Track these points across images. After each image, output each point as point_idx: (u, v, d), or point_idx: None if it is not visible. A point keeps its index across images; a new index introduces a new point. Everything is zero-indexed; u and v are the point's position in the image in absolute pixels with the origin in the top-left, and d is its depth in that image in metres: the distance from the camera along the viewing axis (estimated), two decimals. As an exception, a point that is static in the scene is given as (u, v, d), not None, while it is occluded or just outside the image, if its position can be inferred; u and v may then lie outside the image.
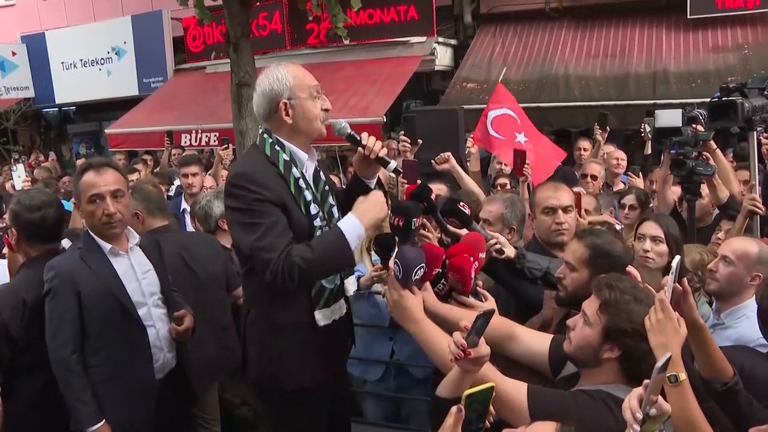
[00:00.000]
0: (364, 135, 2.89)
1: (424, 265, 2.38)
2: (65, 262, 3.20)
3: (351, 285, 3.01)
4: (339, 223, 2.73)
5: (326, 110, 2.88)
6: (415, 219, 2.53)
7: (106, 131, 13.62)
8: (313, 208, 2.82)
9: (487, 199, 4.22)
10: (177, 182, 7.27)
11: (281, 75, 2.80)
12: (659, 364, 1.78)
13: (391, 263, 2.48)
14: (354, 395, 4.83)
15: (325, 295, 2.85)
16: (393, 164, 2.83)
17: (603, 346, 2.19)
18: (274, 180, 2.74)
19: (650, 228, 3.51)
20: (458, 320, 2.47)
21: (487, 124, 6.32)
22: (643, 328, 2.11)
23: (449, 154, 5.04)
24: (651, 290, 2.28)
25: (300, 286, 2.69)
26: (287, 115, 2.80)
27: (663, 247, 3.42)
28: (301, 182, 2.81)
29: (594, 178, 6.05)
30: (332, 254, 2.67)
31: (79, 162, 10.08)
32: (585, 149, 7.34)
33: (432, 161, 5.42)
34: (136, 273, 3.31)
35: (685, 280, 2.25)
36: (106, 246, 3.24)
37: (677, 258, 2.27)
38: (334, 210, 2.94)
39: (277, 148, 2.82)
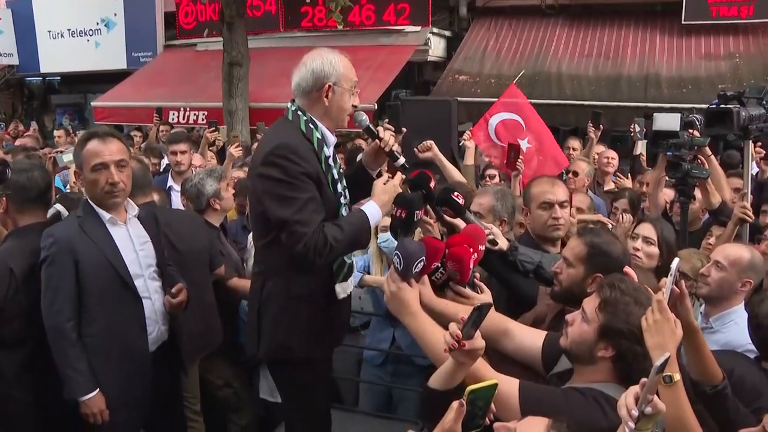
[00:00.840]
0: (380, 129, 3.07)
1: (424, 258, 2.37)
2: (64, 229, 3.17)
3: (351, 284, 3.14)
4: (363, 208, 2.94)
5: (355, 107, 3.03)
6: (417, 211, 2.51)
7: (92, 104, 13.44)
8: (339, 188, 2.97)
9: (478, 192, 4.21)
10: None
11: (335, 60, 2.93)
12: (658, 363, 1.79)
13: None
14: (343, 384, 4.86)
15: (344, 269, 3.03)
16: (402, 160, 3.01)
17: (598, 344, 2.18)
18: (311, 155, 2.87)
19: (645, 229, 3.53)
20: (454, 315, 2.47)
21: (489, 128, 6.29)
22: (639, 330, 2.11)
23: (431, 142, 5.02)
24: (651, 292, 2.28)
25: (324, 262, 2.85)
26: (326, 97, 2.92)
27: (653, 249, 3.44)
28: (331, 161, 2.96)
29: (576, 174, 6.05)
30: (357, 236, 2.91)
31: (58, 133, 9.99)
32: (574, 149, 7.36)
33: (414, 149, 5.40)
34: (134, 244, 3.29)
35: (682, 282, 2.26)
36: (105, 215, 3.21)
37: (677, 260, 2.28)
38: (346, 192, 3.05)
39: (311, 126, 2.92)
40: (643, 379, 1.78)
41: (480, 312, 2.00)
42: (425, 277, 2.49)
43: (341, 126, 3.04)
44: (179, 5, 13.75)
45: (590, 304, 2.24)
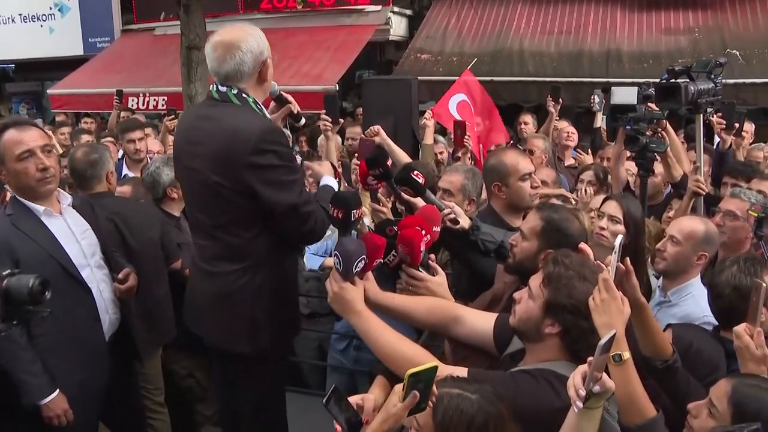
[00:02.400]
0: (286, 94, 3.13)
1: (364, 257, 2.33)
2: None
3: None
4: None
5: None
6: (354, 210, 2.45)
7: (49, 91, 13.11)
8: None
9: (447, 170, 4.17)
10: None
11: (261, 34, 2.86)
12: (602, 342, 1.78)
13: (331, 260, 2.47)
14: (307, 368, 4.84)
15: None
16: (303, 120, 3.22)
17: (544, 320, 2.17)
18: (285, 135, 2.89)
19: (610, 207, 3.51)
20: (401, 308, 2.49)
21: (449, 106, 6.32)
22: (583, 306, 2.10)
23: (378, 127, 4.97)
24: (602, 267, 2.27)
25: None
26: (263, 73, 2.85)
27: (619, 227, 3.42)
28: None
29: (531, 153, 6.02)
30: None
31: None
32: (526, 123, 7.37)
33: (362, 134, 5.36)
34: (74, 234, 3.18)
35: (627, 259, 2.26)
36: (39, 209, 3.09)
37: (619, 237, 2.27)
38: None
39: (259, 107, 2.85)
40: (590, 358, 1.77)
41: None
42: (369, 273, 2.46)
43: (265, 97, 2.96)
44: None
45: (536, 280, 2.23)
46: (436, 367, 1.87)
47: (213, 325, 2.96)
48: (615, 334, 1.87)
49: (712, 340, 2.76)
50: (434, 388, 1.90)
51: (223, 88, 2.82)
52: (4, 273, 2.16)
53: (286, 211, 2.76)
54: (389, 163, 2.86)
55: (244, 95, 2.82)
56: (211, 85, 2.91)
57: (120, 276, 3.27)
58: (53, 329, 2.99)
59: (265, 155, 2.70)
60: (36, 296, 2.15)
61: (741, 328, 2.28)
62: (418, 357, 2.20)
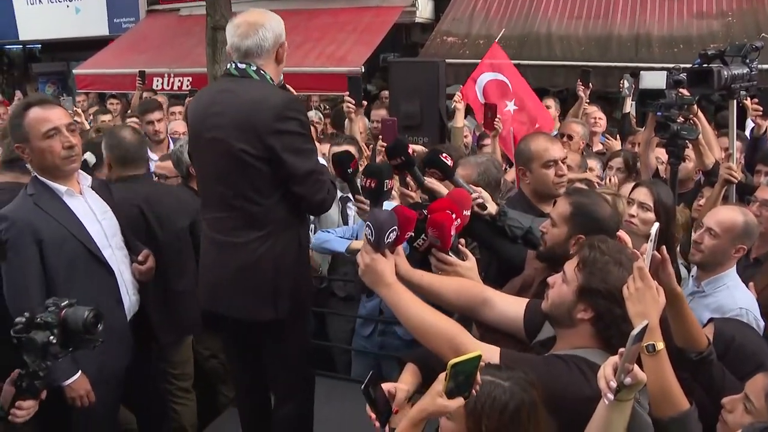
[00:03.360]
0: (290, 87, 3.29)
1: (396, 228, 2.30)
2: (19, 209, 3.01)
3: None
4: None
5: None
6: (387, 180, 2.44)
7: (74, 71, 13.18)
8: None
9: (460, 163, 4.10)
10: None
11: (279, 18, 3.01)
12: (635, 332, 1.74)
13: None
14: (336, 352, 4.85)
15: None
16: None
17: (577, 305, 2.14)
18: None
19: (641, 194, 3.45)
20: (431, 286, 2.45)
21: (476, 89, 6.20)
22: (618, 292, 2.06)
23: None
24: (638, 255, 2.22)
25: None
26: (278, 55, 3.01)
27: (650, 215, 3.35)
28: None
29: (570, 138, 5.97)
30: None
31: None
32: (548, 107, 7.27)
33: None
34: (96, 214, 3.18)
35: (663, 248, 2.21)
36: (61, 188, 3.08)
37: (656, 225, 2.23)
38: None
39: (274, 85, 2.99)
40: (621, 349, 1.73)
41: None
42: (400, 249, 2.43)
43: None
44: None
45: (570, 265, 2.20)
46: (479, 356, 1.82)
47: (235, 296, 2.99)
48: (648, 325, 1.82)
49: (756, 335, 2.71)
50: (478, 377, 1.86)
51: (242, 65, 2.93)
52: (63, 304, 2.27)
53: (304, 176, 2.87)
54: (410, 151, 2.84)
55: (262, 72, 2.94)
56: (229, 63, 3.01)
57: (140, 258, 3.28)
58: None
59: (288, 122, 2.83)
60: (89, 328, 2.27)
61: None
62: (450, 329, 2.17)
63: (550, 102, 7.40)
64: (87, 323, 2.26)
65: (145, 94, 8.93)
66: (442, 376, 1.81)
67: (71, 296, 2.90)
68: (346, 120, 5.65)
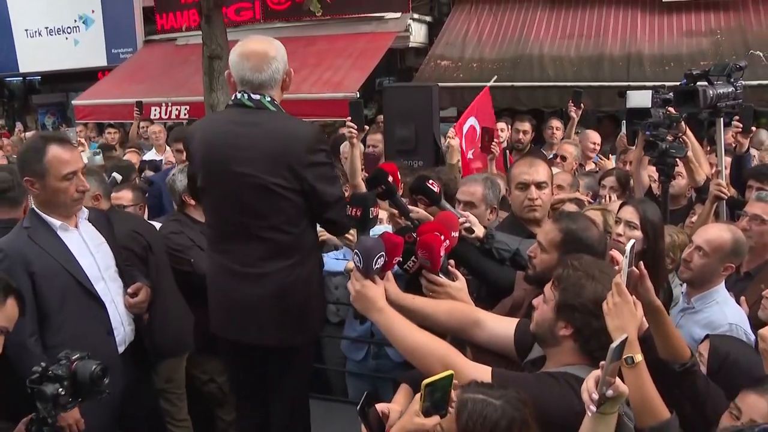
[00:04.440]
0: None
1: (383, 253, 2.36)
2: (13, 242, 3.08)
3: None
4: None
5: None
6: (372, 208, 2.52)
7: (74, 102, 13.30)
8: None
9: (465, 181, 4.16)
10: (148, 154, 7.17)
11: (281, 44, 3.05)
12: (613, 346, 1.79)
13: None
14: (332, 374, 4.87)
15: None
16: None
17: (557, 322, 2.20)
18: None
19: (627, 213, 3.49)
20: (422, 309, 2.50)
21: (464, 127, 6.27)
22: (592, 305, 2.13)
23: None
24: (611, 272, 2.28)
25: None
26: (286, 83, 3.06)
27: (637, 233, 3.39)
28: None
29: (564, 159, 6.04)
30: None
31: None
32: (557, 128, 7.32)
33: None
34: (89, 247, 3.23)
35: (641, 263, 2.27)
36: (56, 223, 3.14)
37: (631, 242, 2.27)
38: None
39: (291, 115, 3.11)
40: (602, 362, 1.78)
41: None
42: (389, 274, 2.49)
43: None
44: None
45: (548, 285, 2.26)
46: (452, 375, 1.89)
47: (266, 323, 3.05)
48: (627, 338, 1.87)
49: (752, 351, 2.73)
50: (453, 394, 1.92)
51: (256, 96, 2.96)
52: (74, 357, 2.43)
53: (336, 202, 3.01)
54: (390, 179, 2.90)
55: (276, 102, 3.01)
56: (239, 93, 2.99)
57: (130, 291, 3.32)
58: (67, 340, 2.99)
59: (318, 154, 2.95)
60: (96, 380, 2.42)
61: (766, 331, 2.27)
62: (442, 351, 2.21)
63: (559, 123, 7.44)
64: (94, 376, 2.41)
65: (142, 124, 9.03)
66: (418, 396, 1.86)
67: (63, 328, 3.05)
68: (343, 145, 5.69)
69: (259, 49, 2.96)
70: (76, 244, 3.19)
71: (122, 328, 3.31)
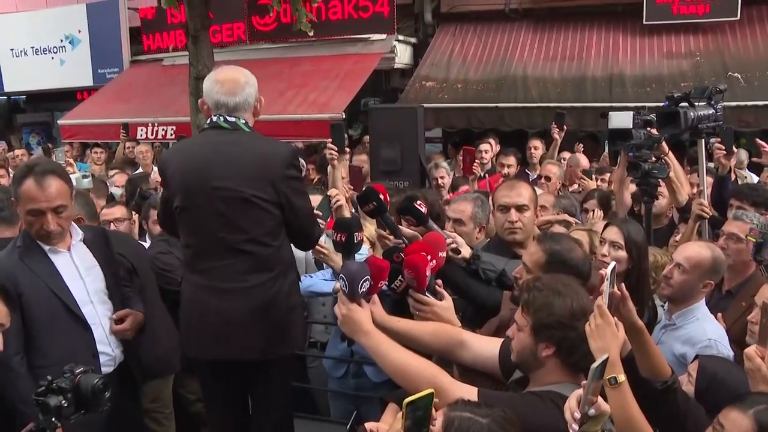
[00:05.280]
0: None
1: (369, 277, 2.41)
2: (3, 261, 3.11)
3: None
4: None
5: None
6: (356, 233, 2.56)
7: (59, 122, 13.27)
8: None
9: (456, 199, 4.22)
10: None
11: (252, 75, 3.25)
12: (595, 365, 1.83)
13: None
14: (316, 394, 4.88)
15: None
16: None
17: (538, 345, 2.24)
18: None
19: (611, 233, 3.54)
20: (407, 332, 2.55)
21: None
22: (565, 318, 2.19)
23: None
24: (572, 283, 2.35)
25: None
26: (257, 109, 3.26)
27: (621, 253, 3.45)
28: None
29: (548, 179, 6.12)
30: None
31: (20, 152, 9.84)
32: (536, 148, 7.43)
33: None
34: (79, 271, 3.23)
35: (623, 285, 2.34)
36: (45, 246, 3.16)
37: (612, 264, 2.33)
38: None
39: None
40: (583, 381, 1.82)
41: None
42: (375, 297, 2.53)
43: None
44: (144, 20, 13.64)
45: (518, 312, 2.32)
46: (432, 393, 1.93)
47: (248, 337, 3.11)
48: (608, 358, 1.92)
49: (740, 372, 2.76)
50: (433, 412, 1.95)
51: (232, 118, 3.13)
52: (78, 370, 2.49)
53: (308, 215, 3.25)
54: (381, 197, 2.95)
55: (249, 125, 3.19)
56: (215, 116, 3.15)
57: (115, 316, 3.32)
58: (53, 362, 2.98)
59: (293, 169, 3.15)
60: (97, 394, 2.49)
61: (752, 350, 2.33)
62: (429, 371, 2.26)
63: (538, 143, 7.55)
64: (95, 389, 2.47)
65: (128, 144, 9.04)
66: (400, 415, 1.90)
67: (49, 349, 3.05)
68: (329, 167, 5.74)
69: (231, 76, 3.18)
70: (66, 267, 3.19)
71: (110, 349, 3.31)
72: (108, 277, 3.35)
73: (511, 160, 7.21)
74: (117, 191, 4.32)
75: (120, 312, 3.33)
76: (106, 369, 3.24)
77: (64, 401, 2.40)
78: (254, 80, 3.23)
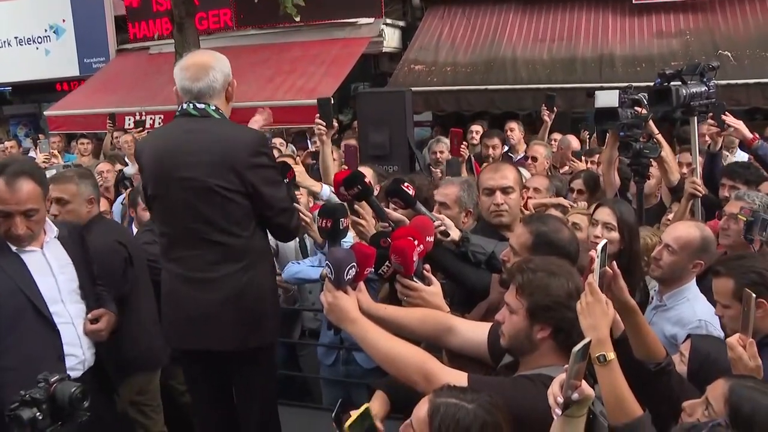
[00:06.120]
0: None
1: (355, 264, 2.37)
2: None
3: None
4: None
5: None
6: (342, 219, 2.54)
7: (46, 113, 13.16)
8: None
9: (443, 183, 4.18)
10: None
11: (224, 58, 3.15)
12: (576, 349, 1.80)
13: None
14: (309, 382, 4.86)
15: None
16: None
17: (533, 327, 2.20)
18: None
19: (603, 214, 3.50)
20: (395, 318, 2.52)
21: None
22: (562, 298, 2.16)
23: None
24: (565, 263, 2.33)
25: None
26: (229, 93, 3.14)
27: (614, 234, 3.41)
28: None
29: (534, 159, 6.08)
30: None
31: (9, 144, 9.74)
32: (512, 129, 7.38)
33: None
34: (52, 269, 3.14)
35: (614, 263, 2.31)
36: (14, 247, 3.06)
37: (602, 242, 2.30)
38: None
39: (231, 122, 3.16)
40: (566, 366, 1.79)
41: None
42: (362, 285, 2.50)
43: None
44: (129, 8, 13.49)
45: (510, 295, 2.27)
46: (368, 408, 2.02)
47: (221, 327, 3.06)
48: (590, 341, 1.89)
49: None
50: (378, 424, 2.07)
51: (201, 105, 3.04)
52: (53, 379, 2.35)
53: (281, 206, 3.10)
54: (366, 181, 2.90)
55: (221, 111, 3.08)
56: (185, 104, 3.07)
57: (90, 316, 3.22)
58: (16, 364, 2.94)
59: (261, 157, 3.02)
60: (75, 403, 2.35)
61: (734, 339, 2.33)
62: (418, 357, 2.23)
63: (514, 125, 7.51)
64: (73, 399, 2.34)
65: (116, 134, 8.96)
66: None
67: (12, 349, 2.94)
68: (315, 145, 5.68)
69: (198, 61, 3.08)
70: (38, 265, 3.09)
71: (81, 351, 3.19)
72: (82, 275, 3.24)
73: (496, 141, 7.18)
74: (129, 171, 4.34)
75: (95, 311, 3.24)
76: (73, 373, 3.11)
77: (38, 413, 2.26)
78: (222, 64, 3.10)
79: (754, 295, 2.28)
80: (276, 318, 3.23)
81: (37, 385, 2.33)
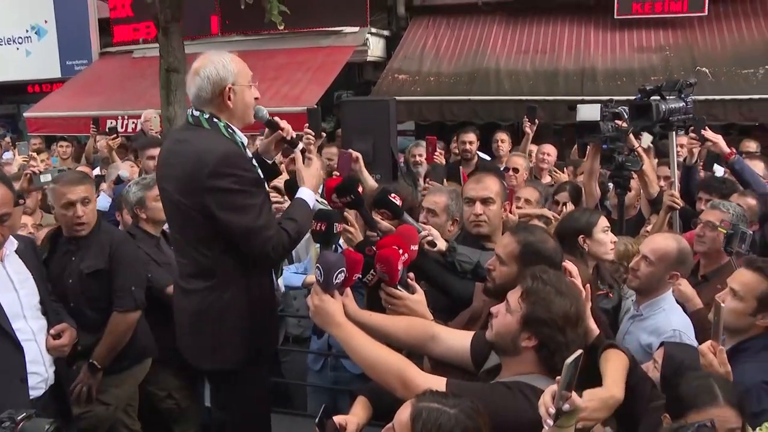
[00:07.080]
0: (276, 119, 3.22)
1: (344, 269, 2.40)
2: None
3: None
4: (299, 195, 3.08)
5: (256, 99, 3.05)
6: (336, 224, 2.55)
7: (25, 114, 13.04)
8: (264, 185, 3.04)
9: (431, 190, 4.22)
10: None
11: (225, 61, 2.91)
12: (569, 360, 1.82)
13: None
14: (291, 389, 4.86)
15: (280, 264, 3.23)
16: (301, 145, 3.26)
17: (521, 333, 2.23)
18: (249, 160, 2.95)
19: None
20: (379, 326, 2.55)
21: None
22: (560, 320, 2.18)
23: (358, 155, 5.04)
24: (576, 287, 2.35)
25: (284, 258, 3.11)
26: (229, 99, 2.90)
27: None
28: (254, 162, 3.01)
29: (516, 170, 6.14)
30: (306, 221, 2.93)
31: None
32: (502, 141, 7.44)
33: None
34: (13, 283, 3.05)
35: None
36: None
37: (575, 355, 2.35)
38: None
39: (230, 130, 2.93)
40: (558, 377, 1.82)
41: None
42: (348, 290, 2.53)
43: (248, 122, 3.04)
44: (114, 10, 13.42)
45: (514, 295, 2.29)
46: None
47: (188, 340, 3.06)
48: (581, 354, 1.91)
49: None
50: None
51: (197, 113, 2.94)
52: (19, 417, 2.10)
53: (242, 233, 2.83)
54: (360, 189, 2.92)
55: (215, 120, 2.92)
56: (189, 110, 3.02)
57: (52, 332, 3.14)
58: None
59: (223, 179, 2.78)
60: None
61: (705, 347, 2.42)
62: (398, 364, 2.25)
63: (504, 136, 7.55)
64: None
65: (98, 138, 8.90)
66: None
67: None
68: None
69: (193, 66, 2.94)
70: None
71: (43, 368, 3.11)
72: (42, 290, 3.17)
73: (471, 136, 7.24)
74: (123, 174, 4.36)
75: (57, 326, 3.16)
76: (35, 393, 3.03)
77: None
78: (214, 68, 2.87)
79: (723, 305, 2.36)
80: (238, 347, 2.94)
81: (1, 425, 2.07)
